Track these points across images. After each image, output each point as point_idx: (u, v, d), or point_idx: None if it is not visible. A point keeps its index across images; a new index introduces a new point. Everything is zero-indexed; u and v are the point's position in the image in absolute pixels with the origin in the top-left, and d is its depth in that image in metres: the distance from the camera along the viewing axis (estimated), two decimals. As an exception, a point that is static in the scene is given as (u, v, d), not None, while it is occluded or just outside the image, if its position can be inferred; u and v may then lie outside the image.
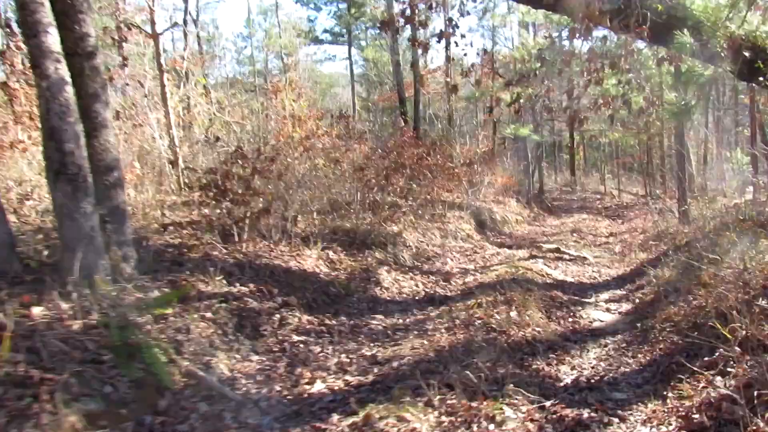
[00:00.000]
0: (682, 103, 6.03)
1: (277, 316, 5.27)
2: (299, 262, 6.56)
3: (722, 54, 5.34)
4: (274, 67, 34.94)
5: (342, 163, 9.44)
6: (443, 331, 5.34)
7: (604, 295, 7.56)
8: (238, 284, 5.50)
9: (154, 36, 9.67)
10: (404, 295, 6.98)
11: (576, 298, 7.25)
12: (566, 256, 10.07)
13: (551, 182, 30.33)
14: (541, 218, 17.30)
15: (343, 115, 12.68)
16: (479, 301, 6.18)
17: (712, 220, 10.37)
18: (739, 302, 5.49)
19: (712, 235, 8.69)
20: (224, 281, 5.40)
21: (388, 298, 6.75)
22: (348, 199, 8.79)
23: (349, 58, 36.93)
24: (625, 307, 6.89)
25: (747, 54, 5.32)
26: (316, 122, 10.51)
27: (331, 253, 7.27)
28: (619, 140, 22.33)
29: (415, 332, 5.44)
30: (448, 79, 21.69)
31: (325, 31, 36.09)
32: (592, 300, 7.31)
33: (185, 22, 28.45)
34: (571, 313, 6.52)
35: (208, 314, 4.68)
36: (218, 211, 6.68)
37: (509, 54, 21.15)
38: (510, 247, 11.99)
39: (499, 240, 12.68)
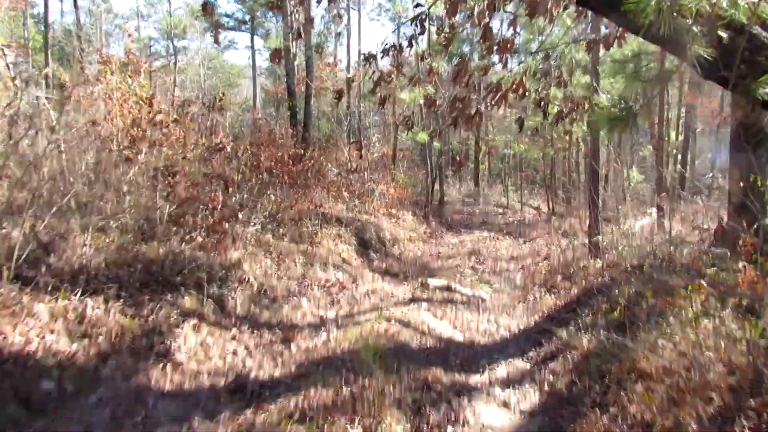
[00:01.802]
0: (622, 106, 3.84)
1: None
2: (3, 331, 3.79)
3: (694, 31, 3.20)
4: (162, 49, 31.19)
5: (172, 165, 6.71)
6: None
7: (501, 370, 5.30)
8: None
9: None
10: (202, 379, 4.36)
11: (462, 378, 4.93)
12: (458, 296, 7.83)
13: (455, 192, 28.69)
14: (438, 235, 15.19)
15: (212, 103, 9.92)
16: (307, 404, 3.71)
17: (627, 256, 8.55)
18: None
19: (636, 282, 6.74)
20: None
21: (169, 390, 4.11)
22: (159, 214, 6.02)
23: (252, 46, 33.81)
24: (531, 397, 4.64)
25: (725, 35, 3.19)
26: (151, 108, 7.67)
27: (91, 303, 4.51)
28: (524, 152, 20.74)
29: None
30: (349, 75, 19.29)
31: (227, 15, 32.60)
32: (485, 379, 5.02)
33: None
34: (452, 414, 4.17)
35: None
36: None
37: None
38: (396, 276, 9.68)
39: (384, 265, 10.33)
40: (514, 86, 3.91)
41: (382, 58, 4.01)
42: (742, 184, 6.04)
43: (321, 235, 9.30)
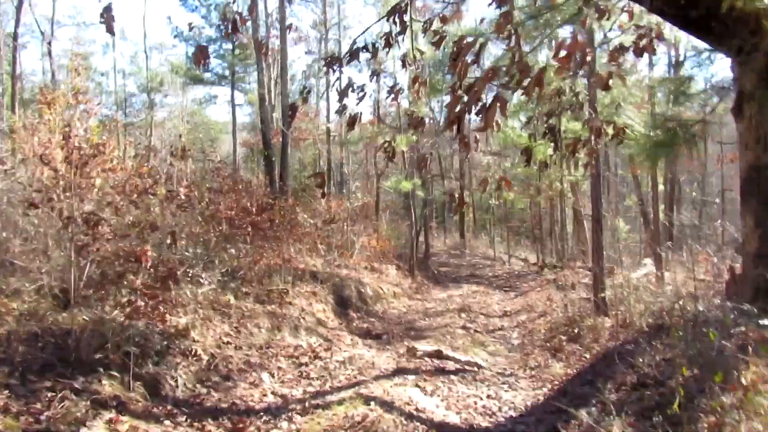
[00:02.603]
0: (670, 126, 2.82)
1: None
2: None
3: None
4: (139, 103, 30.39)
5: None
6: None
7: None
8: None
9: None
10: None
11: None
12: (451, 364, 6.60)
13: (440, 244, 27.65)
14: (425, 290, 14.00)
15: (177, 151, 8.89)
16: None
17: (642, 315, 7.46)
18: None
19: (661, 348, 5.63)
20: None
21: None
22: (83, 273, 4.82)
23: (232, 101, 33.07)
24: None
25: None
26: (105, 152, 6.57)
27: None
28: (510, 202, 19.85)
29: None
30: (328, 124, 18.49)
31: (207, 70, 31.99)
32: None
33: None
34: None
35: None
36: None
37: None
38: (378, 338, 8.46)
39: (365, 325, 9.10)
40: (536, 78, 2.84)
41: (348, 62, 2.99)
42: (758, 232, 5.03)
43: (293, 294, 8.10)
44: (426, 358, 6.55)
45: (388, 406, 4.80)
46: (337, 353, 6.52)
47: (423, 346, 6.79)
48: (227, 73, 32.93)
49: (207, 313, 6.01)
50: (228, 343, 5.73)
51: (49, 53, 24.15)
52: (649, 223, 24.39)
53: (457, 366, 6.60)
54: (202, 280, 6.02)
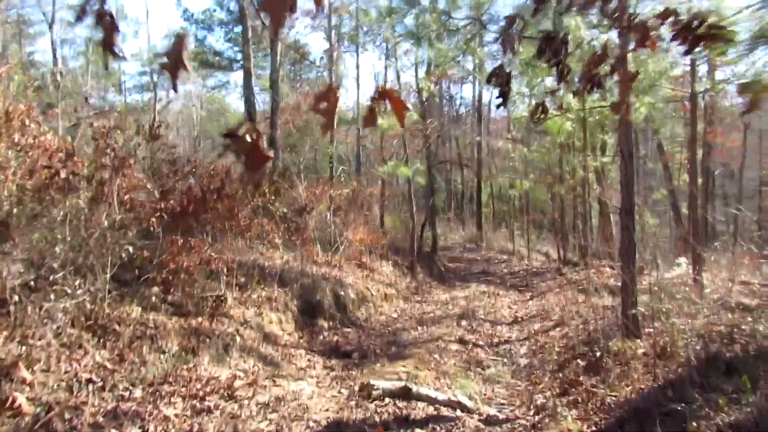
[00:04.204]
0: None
1: None
2: None
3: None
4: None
5: None
6: None
7: None
8: None
9: None
10: None
11: None
12: (420, 408, 4.63)
13: (456, 237, 25.60)
14: (425, 290, 12.06)
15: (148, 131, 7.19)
16: None
17: (686, 340, 5.48)
18: None
19: (724, 403, 3.64)
20: None
21: None
22: None
23: (244, 86, 31.37)
24: None
25: None
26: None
27: None
28: (531, 191, 17.73)
29: None
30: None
31: (217, 54, 30.26)
32: None
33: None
34: None
35: None
36: None
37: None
38: (347, 356, 6.60)
39: (335, 339, 7.22)
40: None
41: None
42: None
43: (236, 301, 6.27)
44: (385, 402, 4.64)
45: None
46: (264, 391, 4.64)
47: (383, 382, 4.84)
48: (239, 57, 31.30)
49: (73, 335, 4.20)
50: (89, 381, 3.90)
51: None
52: (680, 218, 21.95)
53: (431, 410, 4.67)
54: (68, 290, 4.21)
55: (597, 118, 9.97)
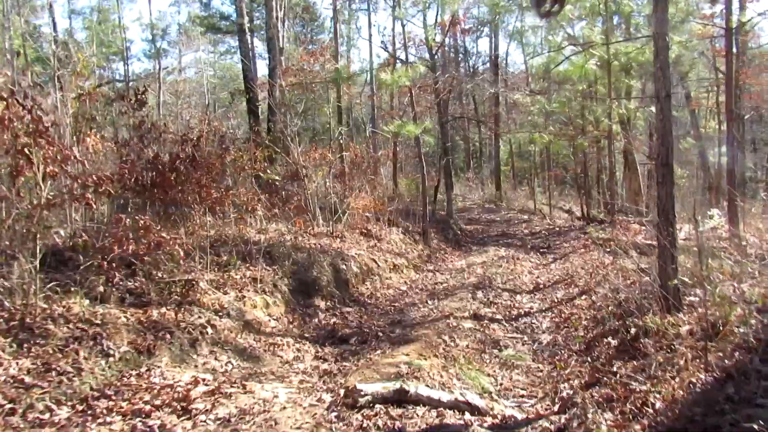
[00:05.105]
0: None
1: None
2: None
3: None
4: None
5: None
6: None
7: None
8: None
9: None
10: None
11: None
12: (418, 416, 3.73)
13: (475, 197, 24.48)
14: (439, 257, 11.10)
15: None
16: None
17: (744, 313, 4.48)
18: None
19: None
20: None
21: None
22: None
23: (252, 50, 30.14)
24: None
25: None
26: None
27: None
28: (551, 146, 16.47)
29: None
30: (337, 65, 15.42)
31: (223, 17, 28.96)
32: None
33: None
34: None
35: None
36: None
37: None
38: (344, 341, 5.75)
39: (332, 321, 6.34)
40: None
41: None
42: None
43: (212, 284, 5.40)
44: (377, 407, 3.74)
45: None
46: (228, 401, 3.77)
47: (373, 385, 3.92)
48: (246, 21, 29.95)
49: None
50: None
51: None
52: (708, 167, 20.42)
53: (432, 417, 3.76)
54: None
55: (622, 60, 8.73)
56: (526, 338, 6.49)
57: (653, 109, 12.96)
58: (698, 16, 13.36)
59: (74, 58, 6.66)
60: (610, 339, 5.45)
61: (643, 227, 13.17)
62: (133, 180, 4.89)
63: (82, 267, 4.22)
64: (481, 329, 6.54)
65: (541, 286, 9.21)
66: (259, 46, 27.78)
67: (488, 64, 27.03)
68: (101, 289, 4.31)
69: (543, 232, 15.56)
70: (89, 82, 9.40)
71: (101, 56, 22.27)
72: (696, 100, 23.22)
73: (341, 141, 11.54)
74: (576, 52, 7.49)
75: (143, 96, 7.37)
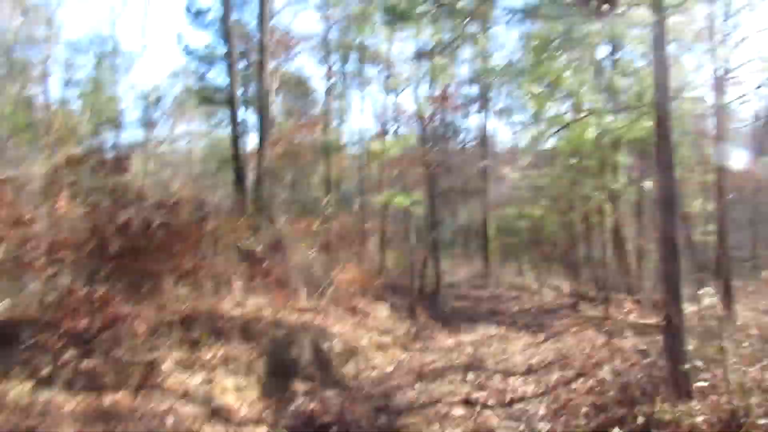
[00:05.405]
0: None
1: None
2: None
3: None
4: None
5: None
6: None
7: None
8: None
9: None
10: None
11: None
12: None
13: (463, 273, 24.08)
14: (427, 335, 10.55)
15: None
16: None
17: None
18: None
19: None
20: None
21: None
22: None
23: (231, 114, 30.37)
24: None
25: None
26: None
27: None
28: (541, 219, 16.32)
29: None
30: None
31: (218, 90, 29.21)
32: None
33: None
34: None
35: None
36: None
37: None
38: (325, 431, 5.14)
39: (310, 407, 5.76)
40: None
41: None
42: None
43: (176, 365, 4.87)
44: None
45: None
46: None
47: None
48: (239, 92, 30.36)
49: None
50: None
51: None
52: (693, 245, 20.34)
53: None
54: None
55: (616, 133, 8.73)
56: (522, 427, 5.92)
57: (643, 185, 12.96)
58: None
59: (58, 125, 6.43)
60: (616, 429, 4.94)
61: (637, 304, 12.82)
62: (99, 246, 4.49)
63: (26, 345, 3.73)
64: (473, 417, 5.99)
65: (535, 367, 8.67)
66: (252, 118, 28.00)
67: (477, 139, 27.39)
68: (47, 370, 3.79)
69: (533, 309, 15.11)
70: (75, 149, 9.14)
71: (92, 125, 22.21)
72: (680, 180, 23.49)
73: (329, 212, 11.25)
74: (575, 119, 7.43)
75: (126, 162, 7.10)
